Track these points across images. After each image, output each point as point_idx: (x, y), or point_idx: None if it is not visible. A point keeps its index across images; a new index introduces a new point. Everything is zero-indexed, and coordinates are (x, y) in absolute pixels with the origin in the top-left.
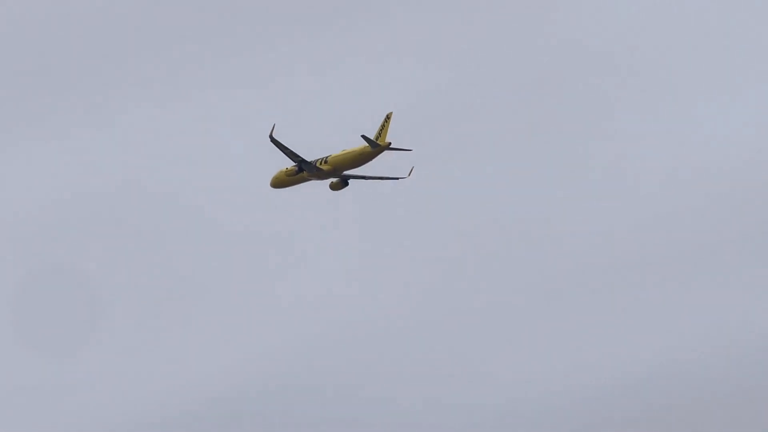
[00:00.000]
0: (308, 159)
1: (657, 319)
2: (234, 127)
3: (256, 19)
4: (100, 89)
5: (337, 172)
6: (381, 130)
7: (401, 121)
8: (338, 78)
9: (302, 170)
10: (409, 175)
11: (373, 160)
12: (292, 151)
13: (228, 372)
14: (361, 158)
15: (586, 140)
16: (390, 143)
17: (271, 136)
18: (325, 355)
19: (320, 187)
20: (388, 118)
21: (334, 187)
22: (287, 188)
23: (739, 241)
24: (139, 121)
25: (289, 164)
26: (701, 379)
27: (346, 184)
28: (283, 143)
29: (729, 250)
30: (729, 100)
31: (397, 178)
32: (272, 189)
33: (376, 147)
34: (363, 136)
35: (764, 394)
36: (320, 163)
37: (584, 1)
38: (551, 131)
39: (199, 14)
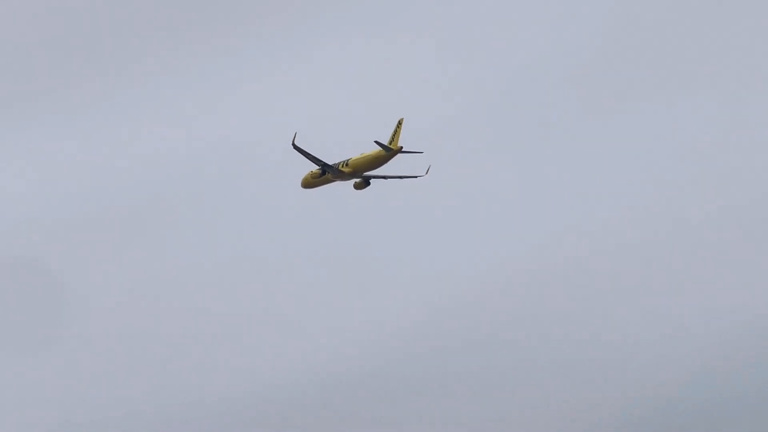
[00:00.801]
0: (330, 163)
1: None
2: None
3: None
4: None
5: (358, 173)
6: (394, 134)
7: (412, 125)
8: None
9: (326, 173)
10: (427, 173)
11: (389, 162)
12: (314, 157)
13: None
14: (377, 161)
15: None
16: (402, 147)
17: (293, 144)
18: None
19: (345, 187)
20: (399, 123)
21: (357, 186)
22: (316, 188)
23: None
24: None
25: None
26: None
27: (368, 183)
28: (305, 150)
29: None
30: None
31: (416, 176)
32: (303, 189)
33: (389, 151)
34: (376, 142)
35: None
36: (342, 166)
37: None
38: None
39: None
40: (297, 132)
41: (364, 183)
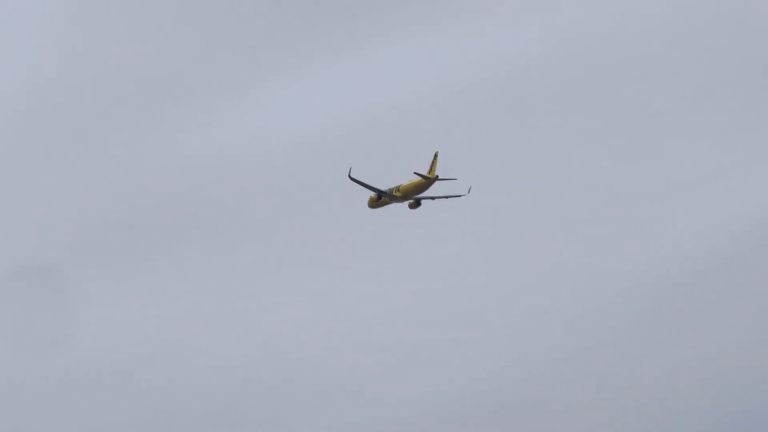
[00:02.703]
0: (383, 189)
1: None
2: None
3: None
4: None
5: (408, 196)
6: (432, 165)
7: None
8: None
9: (381, 197)
10: (468, 192)
11: (430, 188)
12: (369, 185)
13: None
14: (420, 187)
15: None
16: (438, 176)
17: (349, 176)
18: None
19: (402, 207)
20: (435, 156)
21: (411, 206)
22: (379, 209)
23: None
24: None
25: None
26: None
27: (420, 204)
28: (360, 180)
29: None
30: None
31: (459, 196)
32: (369, 210)
33: (428, 179)
34: (415, 173)
35: None
36: (395, 191)
37: None
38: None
39: None
40: (351, 167)
41: (416, 204)
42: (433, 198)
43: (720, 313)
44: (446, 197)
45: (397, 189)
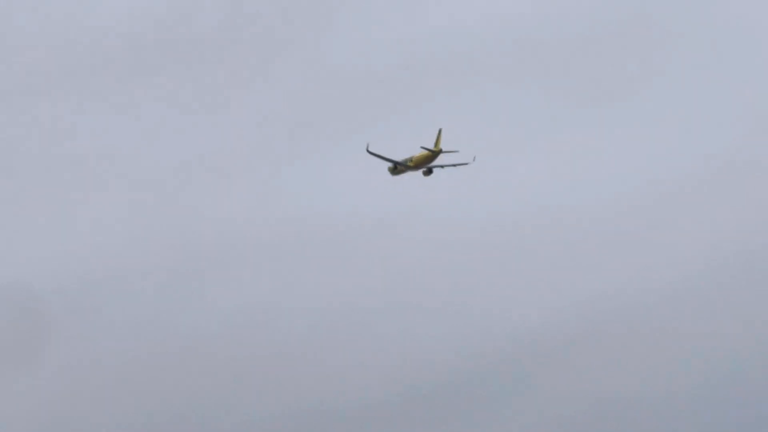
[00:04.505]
0: (399, 160)
1: None
2: None
3: None
4: None
5: (420, 166)
6: (437, 139)
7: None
8: None
9: (396, 167)
10: (474, 160)
11: (438, 158)
12: (386, 158)
13: None
14: (428, 158)
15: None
16: (441, 149)
17: (367, 150)
18: None
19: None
20: (440, 132)
21: (425, 174)
22: (400, 175)
23: None
24: None
25: None
26: None
27: (432, 171)
28: (378, 153)
29: None
30: None
31: (466, 164)
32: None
33: (433, 152)
34: (422, 147)
35: None
36: (409, 162)
37: None
38: None
39: None
40: (368, 142)
41: (429, 171)
42: (442, 166)
43: None
44: (454, 165)
45: (410, 160)
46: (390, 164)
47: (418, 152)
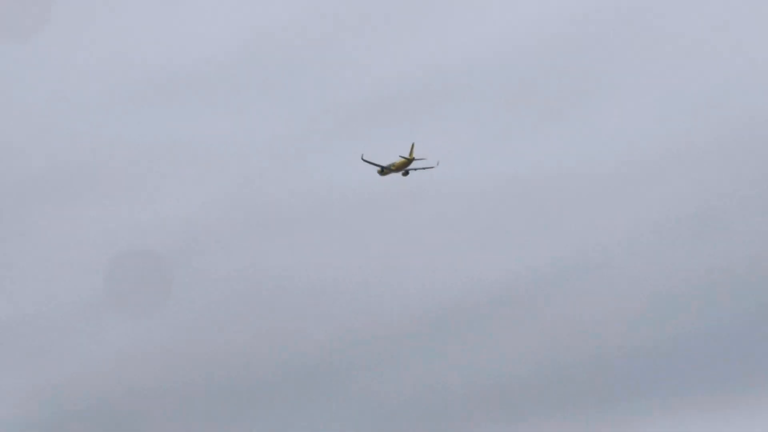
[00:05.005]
0: (385, 165)
1: None
2: None
3: None
4: None
5: (400, 170)
6: (410, 150)
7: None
8: None
9: (383, 169)
10: (437, 165)
11: (412, 164)
12: (375, 163)
13: None
14: (405, 164)
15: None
16: (414, 157)
17: (362, 158)
18: None
19: (397, 176)
20: (413, 145)
21: (403, 174)
22: (387, 176)
23: None
24: None
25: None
26: None
27: (407, 173)
28: (371, 161)
29: None
30: None
31: (432, 167)
32: (380, 177)
33: (408, 159)
34: (400, 156)
35: None
36: (392, 166)
37: None
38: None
39: None
40: (363, 153)
41: (406, 173)
42: (415, 169)
43: None
44: (424, 168)
45: (393, 165)
46: (378, 168)
47: (398, 159)
